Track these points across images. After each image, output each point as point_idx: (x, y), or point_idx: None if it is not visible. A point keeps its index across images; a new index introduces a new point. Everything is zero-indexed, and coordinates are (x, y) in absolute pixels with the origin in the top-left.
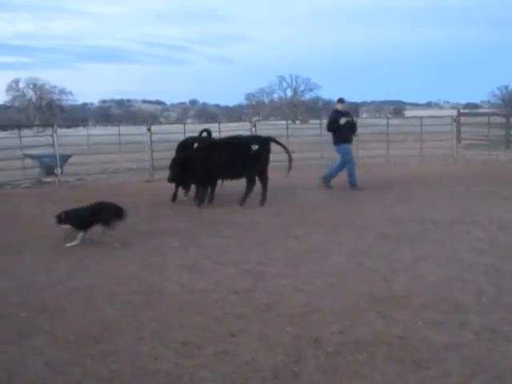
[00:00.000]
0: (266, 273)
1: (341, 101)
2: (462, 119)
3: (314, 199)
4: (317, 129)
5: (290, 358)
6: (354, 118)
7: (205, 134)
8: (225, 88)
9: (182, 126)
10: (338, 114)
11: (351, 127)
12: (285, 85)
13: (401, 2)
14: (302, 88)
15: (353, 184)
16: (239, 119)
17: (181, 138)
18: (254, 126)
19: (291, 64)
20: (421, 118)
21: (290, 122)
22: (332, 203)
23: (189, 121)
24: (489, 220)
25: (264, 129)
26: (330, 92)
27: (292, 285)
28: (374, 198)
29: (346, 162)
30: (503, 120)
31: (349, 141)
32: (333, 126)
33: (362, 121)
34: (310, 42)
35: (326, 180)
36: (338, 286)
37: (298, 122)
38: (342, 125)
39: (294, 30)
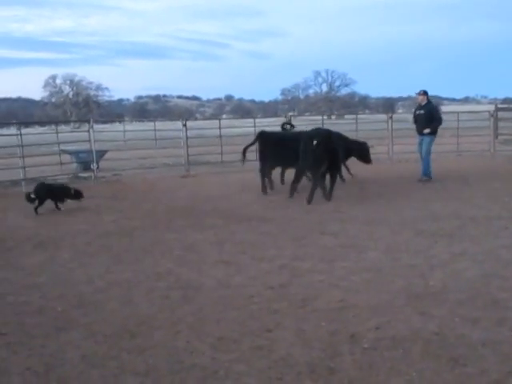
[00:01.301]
0: (301, 268)
1: (418, 93)
2: (500, 114)
3: (348, 195)
4: (352, 124)
5: (326, 354)
6: (439, 108)
7: (287, 126)
8: (260, 83)
9: (217, 121)
10: (416, 107)
11: (422, 120)
12: (320, 80)
13: None
14: (337, 83)
15: (426, 175)
16: (274, 114)
17: (216, 133)
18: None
19: (327, 59)
20: (458, 113)
21: (325, 117)
22: (367, 199)
23: (224, 116)
24: None
25: (299, 124)
26: (366, 87)
27: (328, 280)
28: (410, 194)
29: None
30: None
31: (419, 133)
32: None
33: (398, 116)
34: (346, 37)
35: (426, 174)
36: (375, 281)
37: (333, 117)
38: (414, 117)
39: (330, 24)
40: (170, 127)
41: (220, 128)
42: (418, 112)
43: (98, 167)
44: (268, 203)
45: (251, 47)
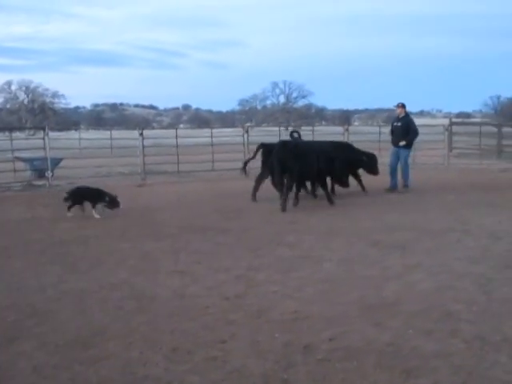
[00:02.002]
0: (256, 279)
1: (396, 106)
2: (454, 128)
3: (306, 206)
4: (309, 135)
5: (280, 365)
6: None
7: (295, 134)
8: (218, 93)
9: (174, 131)
10: (393, 119)
11: (399, 132)
12: (278, 91)
13: (395, 12)
14: (294, 95)
15: (406, 186)
16: (232, 125)
17: (173, 142)
18: (247, 131)
19: (285, 70)
20: None
21: (282, 128)
22: (324, 210)
23: (181, 126)
24: (480, 229)
25: (256, 135)
26: (323, 99)
27: (282, 291)
28: (365, 206)
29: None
30: (495, 130)
31: (394, 145)
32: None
33: (354, 128)
34: (304, 49)
35: (407, 185)
36: (329, 292)
37: (290, 128)
38: (392, 129)
39: (288, 36)
40: (127, 136)
41: (177, 137)
42: (395, 124)
43: (52, 175)
44: (225, 213)
45: (209, 57)
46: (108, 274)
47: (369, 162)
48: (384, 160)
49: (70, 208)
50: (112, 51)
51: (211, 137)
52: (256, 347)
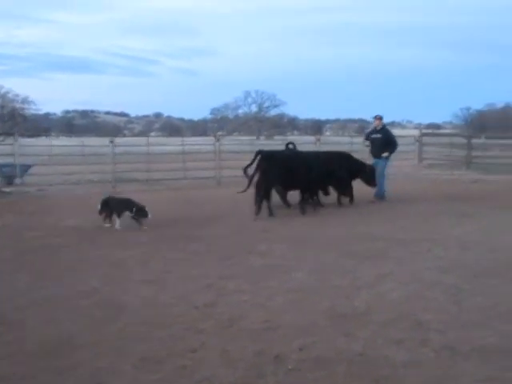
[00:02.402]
0: (227, 288)
1: (375, 118)
2: (425, 139)
3: (277, 215)
4: (281, 145)
5: (251, 375)
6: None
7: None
8: (190, 102)
9: (145, 138)
10: (371, 131)
11: (378, 143)
12: (250, 100)
13: (367, 23)
14: (267, 104)
15: (379, 196)
16: (204, 133)
17: (144, 150)
18: (218, 140)
19: (258, 80)
20: None
21: (253, 137)
22: (295, 219)
23: (153, 134)
24: (450, 239)
25: (228, 144)
26: (295, 109)
27: (253, 300)
28: (337, 216)
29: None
30: (465, 141)
31: (375, 156)
32: (364, 143)
33: (326, 138)
34: (276, 59)
35: (378, 195)
36: (300, 302)
37: (262, 137)
38: (369, 141)
39: (261, 46)
40: (98, 143)
41: (148, 145)
42: (374, 136)
43: (22, 182)
44: (196, 221)
45: (182, 65)
46: (78, 282)
47: (367, 173)
48: None
49: (104, 220)
50: (84, 57)
51: (183, 145)
52: (226, 356)
